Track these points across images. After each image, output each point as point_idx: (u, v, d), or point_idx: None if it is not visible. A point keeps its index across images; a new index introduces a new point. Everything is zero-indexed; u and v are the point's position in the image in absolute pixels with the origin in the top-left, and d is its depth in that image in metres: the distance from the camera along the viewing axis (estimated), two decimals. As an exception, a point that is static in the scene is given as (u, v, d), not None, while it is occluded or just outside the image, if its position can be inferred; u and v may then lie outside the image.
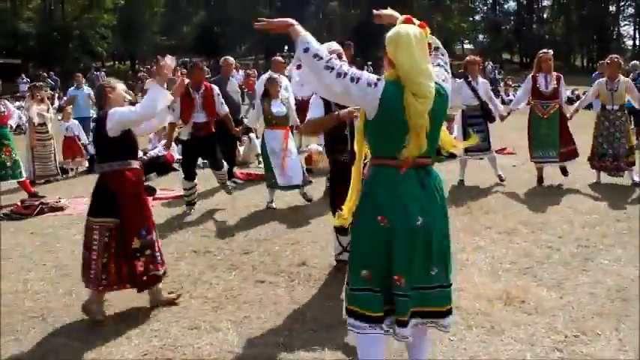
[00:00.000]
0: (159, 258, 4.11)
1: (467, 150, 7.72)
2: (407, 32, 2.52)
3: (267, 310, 3.99)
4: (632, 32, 51.44)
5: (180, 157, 10.33)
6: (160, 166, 9.83)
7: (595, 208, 6.39)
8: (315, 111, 4.36)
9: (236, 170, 8.80)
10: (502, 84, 25.29)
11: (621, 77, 7.37)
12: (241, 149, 10.02)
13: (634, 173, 7.45)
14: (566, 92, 7.88)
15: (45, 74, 26.25)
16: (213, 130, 6.90)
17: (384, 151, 2.62)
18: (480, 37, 55.22)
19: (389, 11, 2.94)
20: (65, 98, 14.08)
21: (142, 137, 11.19)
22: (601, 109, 7.56)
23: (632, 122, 12.22)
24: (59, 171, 9.85)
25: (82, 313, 4.01)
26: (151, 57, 47.26)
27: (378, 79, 2.53)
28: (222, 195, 7.61)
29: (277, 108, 6.73)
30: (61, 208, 7.43)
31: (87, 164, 10.24)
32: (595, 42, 48.55)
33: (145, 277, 3.99)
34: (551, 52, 7.68)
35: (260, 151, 9.78)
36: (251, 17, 40.15)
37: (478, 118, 7.64)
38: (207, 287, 4.51)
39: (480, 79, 7.88)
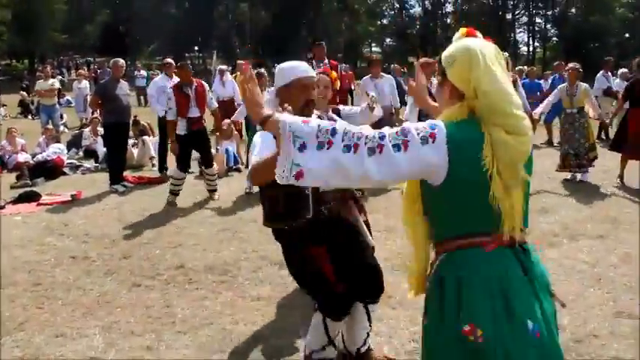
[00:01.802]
0: None
1: None
2: (481, 48, 1.80)
3: (137, 314, 3.99)
4: (526, 39, 54.56)
5: (71, 161, 10.09)
6: (49, 169, 9.46)
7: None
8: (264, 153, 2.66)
9: (127, 174, 8.64)
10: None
11: (580, 83, 7.83)
12: (135, 152, 9.83)
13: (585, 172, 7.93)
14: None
15: None
16: (204, 125, 7.48)
17: (464, 227, 1.79)
18: (388, 40, 56.81)
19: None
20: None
21: (30, 141, 10.79)
22: (563, 112, 8.08)
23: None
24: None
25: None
26: (51, 55, 45.33)
27: (433, 127, 1.71)
28: (109, 199, 7.48)
29: None
30: None
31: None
32: (493, 47, 51.13)
33: None
34: (505, 53, 8.04)
35: (153, 154, 9.74)
36: (158, 17, 39.07)
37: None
38: (81, 294, 4.43)
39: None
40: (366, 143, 1.64)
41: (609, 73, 12.77)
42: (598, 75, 12.71)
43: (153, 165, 9.67)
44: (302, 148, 1.64)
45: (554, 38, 53.21)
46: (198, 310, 4.01)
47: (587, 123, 7.88)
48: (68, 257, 5.27)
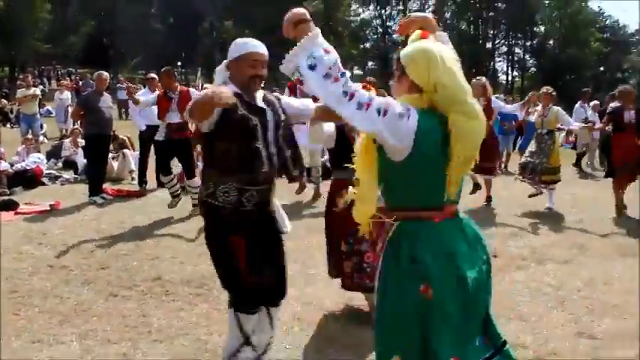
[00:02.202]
0: (368, 270, 3.98)
1: None
2: (438, 49, 2.13)
3: (114, 323, 4.05)
4: (505, 68, 55.66)
5: (50, 172, 10.09)
6: (28, 179, 9.46)
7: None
8: None
9: (106, 186, 8.68)
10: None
11: (552, 107, 8.09)
12: (115, 165, 9.88)
13: (551, 197, 8.19)
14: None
15: None
16: (190, 134, 7.24)
17: (418, 201, 2.14)
18: (370, 63, 57.50)
19: (417, 15, 2.38)
20: None
21: (9, 149, 10.75)
22: (535, 132, 8.35)
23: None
24: None
25: None
26: (33, 64, 45.00)
27: (407, 108, 2.04)
28: (88, 210, 7.52)
29: None
30: None
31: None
32: (473, 75, 52.12)
33: (350, 280, 4.10)
34: (483, 78, 8.39)
35: (133, 167, 9.80)
36: (143, 31, 39.05)
37: None
38: (58, 302, 4.48)
39: None
40: (358, 97, 2.00)
41: (586, 104, 13.13)
42: (576, 106, 13.05)
43: (132, 178, 9.73)
44: (312, 67, 1.99)
45: (533, 68, 54.44)
46: (174, 320, 4.10)
47: (554, 146, 8.09)
48: (46, 266, 5.31)
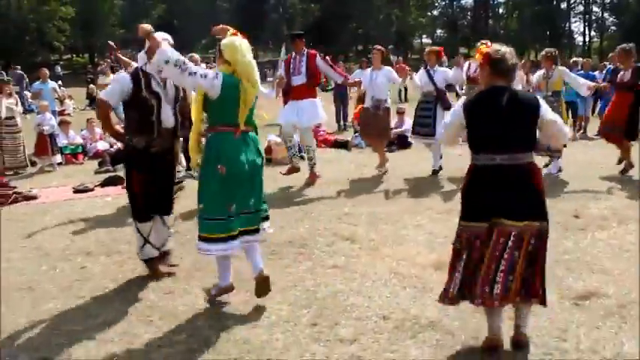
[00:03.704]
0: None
1: (414, 132, 8.58)
2: (240, 41, 3.96)
3: (231, 277, 4.59)
4: (582, 29, 53.29)
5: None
6: (127, 157, 10.27)
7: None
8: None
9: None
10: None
11: (556, 67, 8.09)
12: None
13: (554, 163, 8.16)
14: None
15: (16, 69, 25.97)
16: None
17: (222, 121, 3.92)
18: (438, 31, 56.51)
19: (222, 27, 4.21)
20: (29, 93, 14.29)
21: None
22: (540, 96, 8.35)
23: (570, 114, 13.24)
24: (28, 162, 10.23)
25: (67, 284, 4.59)
26: (110, 50, 46.90)
27: (217, 73, 3.86)
28: (186, 183, 8.17)
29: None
30: (34, 197, 7.86)
31: (58, 159, 10.61)
32: (547, 38, 50.34)
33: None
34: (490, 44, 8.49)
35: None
36: (211, 10, 39.73)
37: (429, 104, 8.32)
38: (178, 261, 5.08)
39: (439, 68, 8.58)
40: (189, 70, 3.79)
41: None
42: None
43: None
44: (166, 62, 3.80)
45: (613, 27, 51.82)
46: (283, 275, 4.61)
47: (560, 108, 7.96)
48: (160, 232, 5.94)
